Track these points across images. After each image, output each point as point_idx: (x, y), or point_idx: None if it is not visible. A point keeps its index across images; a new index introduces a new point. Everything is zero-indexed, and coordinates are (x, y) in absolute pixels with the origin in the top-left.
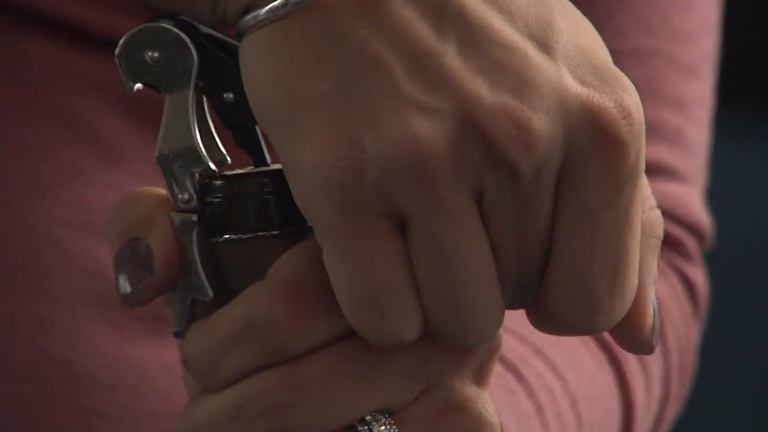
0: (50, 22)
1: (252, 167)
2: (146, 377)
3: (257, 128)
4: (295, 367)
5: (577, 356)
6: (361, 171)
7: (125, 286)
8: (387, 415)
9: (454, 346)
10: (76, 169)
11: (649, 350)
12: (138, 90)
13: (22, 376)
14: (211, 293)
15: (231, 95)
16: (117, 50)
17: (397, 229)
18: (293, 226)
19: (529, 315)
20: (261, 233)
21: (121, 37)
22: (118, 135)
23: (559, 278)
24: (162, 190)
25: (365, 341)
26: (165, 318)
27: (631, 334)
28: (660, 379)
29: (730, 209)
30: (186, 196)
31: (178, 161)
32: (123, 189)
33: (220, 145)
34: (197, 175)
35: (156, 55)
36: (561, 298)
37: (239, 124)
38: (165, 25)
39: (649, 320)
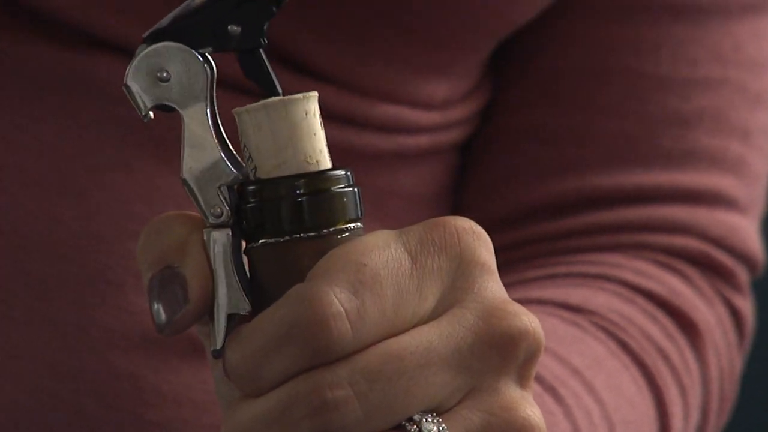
0: (124, 48)
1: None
2: (212, 392)
3: (264, 55)
4: (341, 367)
5: (616, 379)
6: None
7: (160, 316)
8: (434, 414)
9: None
10: (152, 183)
11: None
12: (151, 118)
13: (90, 389)
14: (249, 307)
15: (235, 26)
16: (126, 77)
17: None
18: (329, 227)
19: None
20: (297, 235)
21: None
22: None
23: None
24: (193, 214)
25: (412, 340)
26: None
27: None
28: (698, 406)
29: None
30: (217, 211)
31: (204, 176)
32: None
33: (237, 156)
34: (225, 187)
35: (166, 74)
36: None
37: (248, 53)
38: (171, 43)
39: None
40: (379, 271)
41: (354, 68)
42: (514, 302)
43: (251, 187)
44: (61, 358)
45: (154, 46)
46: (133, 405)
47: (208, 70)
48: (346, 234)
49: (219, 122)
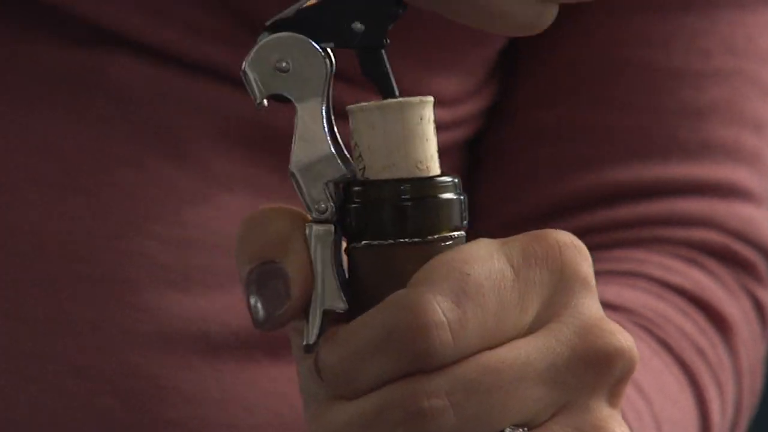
0: (139, 45)
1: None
2: (230, 390)
3: (385, 56)
4: (440, 377)
5: (660, 379)
6: None
7: (259, 311)
8: (526, 429)
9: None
10: (169, 184)
11: None
12: (264, 106)
13: (109, 388)
14: (345, 305)
15: (359, 24)
16: (245, 64)
17: None
18: (433, 233)
19: None
20: (401, 240)
21: (210, 62)
22: (210, 151)
23: None
24: (294, 208)
25: (510, 353)
26: (255, 332)
27: None
28: (733, 401)
29: None
30: (323, 206)
31: (313, 170)
32: (217, 205)
33: (347, 154)
34: (333, 184)
35: (285, 64)
36: None
37: (368, 52)
38: (295, 34)
39: None
40: (482, 282)
41: None
42: (610, 320)
43: (358, 187)
44: (79, 357)
45: (277, 35)
46: (152, 404)
47: (329, 64)
48: (450, 242)
49: (332, 118)
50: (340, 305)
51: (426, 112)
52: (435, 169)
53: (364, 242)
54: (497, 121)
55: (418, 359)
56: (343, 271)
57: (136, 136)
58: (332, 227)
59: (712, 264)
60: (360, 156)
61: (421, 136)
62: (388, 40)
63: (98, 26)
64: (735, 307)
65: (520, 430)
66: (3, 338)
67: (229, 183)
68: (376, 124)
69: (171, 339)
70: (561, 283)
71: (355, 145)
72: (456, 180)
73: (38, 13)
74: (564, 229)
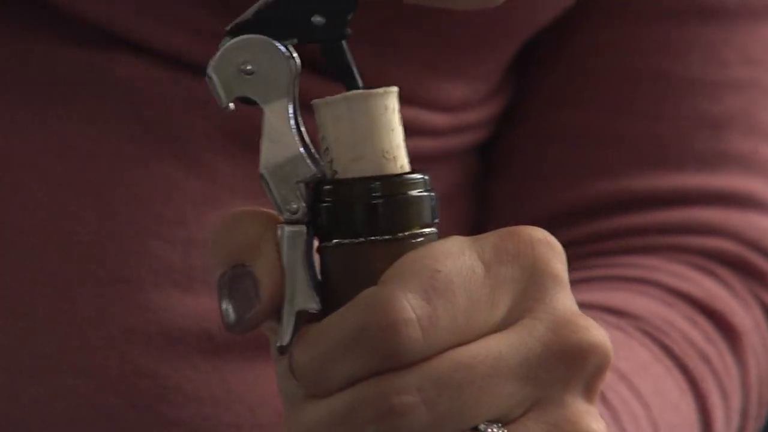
0: (146, 48)
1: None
2: (234, 389)
3: (346, 48)
4: (410, 373)
5: (661, 384)
6: None
7: (230, 315)
8: (500, 425)
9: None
10: (175, 185)
11: None
12: (231, 109)
13: (112, 388)
14: (318, 305)
15: (318, 17)
16: (209, 67)
17: None
18: (404, 231)
19: None
20: (372, 237)
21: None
22: (216, 154)
23: None
24: (266, 211)
25: (482, 349)
26: (258, 332)
27: None
28: (739, 411)
29: None
30: (294, 207)
31: (283, 172)
32: (219, 204)
33: (316, 154)
34: (303, 184)
35: (250, 67)
36: None
37: (330, 45)
38: (258, 36)
39: None
40: (452, 278)
41: (371, 69)
42: (584, 315)
43: (327, 186)
44: (82, 356)
45: (239, 38)
46: (154, 403)
47: (293, 65)
48: (421, 239)
49: (299, 118)
50: (313, 305)
51: (390, 102)
52: (402, 158)
53: (334, 241)
54: (512, 125)
55: (389, 357)
56: (316, 271)
57: (143, 137)
58: (304, 228)
59: (725, 273)
60: (327, 149)
61: (386, 125)
62: (350, 31)
63: (105, 28)
64: (746, 317)
65: (495, 426)
66: (6, 336)
67: (235, 185)
68: (342, 116)
69: (175, 338)
70: (533, 279)
71: (322, 138)
72: (426, 177)
73: (47, 14)
74: (578, 234)
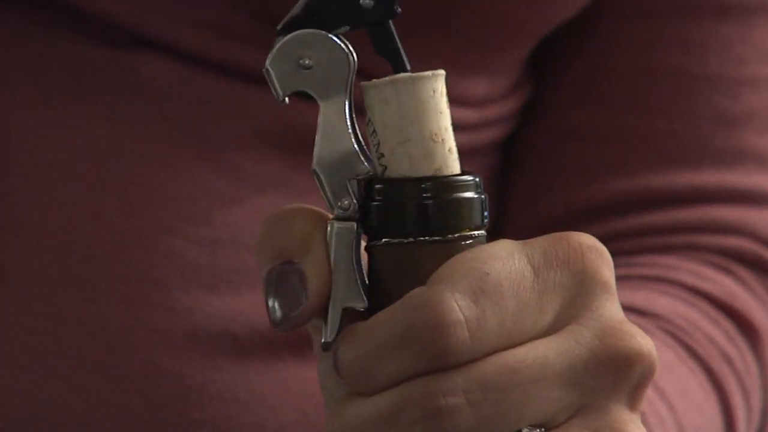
0: (170, 47)
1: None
2: (256, 390)
3: (393, 30)
4: (457, 375)
5: (685, 385)
6: None
7: (276, 312)
8: (543, 429)
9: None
10: (201, 184)
11: None
12: (286, 103)
13: (135, 388)
14: (365, 303)
15: (368, 0)
16: (268, 60)
17: None
18: (453, 232)
19: None
20: (422, 238)
21: (240, 63)
22: (243, 152)
23: None
24: (315, 208)
25: (529, 353)
26: (284, 335)
27: None
28: (759, 409)
29: None
30: (346, 203)
31: (337, 168)
32: (246, 204)
33: (369, 152)
34: (355, 181)
35: (308, 61)
36: None
37: (378, 29)
38: (317, 31)
39: None
40: (501, 281)
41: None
42: (631, 323)
43: (378, 185)
44: (107, 357)
45: (298, 32)
46: (178, 404)
47: (351, 61)
48: (470, 241)
49: (354, 114)
50: (360, 303)
51: (438, 85)
52: (450, 141)
53: (384, 240)
54: (530, 122)
55: (436, 357)
56: (363, 268)
57: (169, 136)
58: (354, 225)
59: (743, 272)
60: (374, 132)
61: (434, 108)
62: (399, 9)
63: (130, 29)
64: (765, 316)
65: (538, 430)
66: (29, 336)
67: (261, 184)
68: (390, 99)
69: (198, 339)
70: (582, 286)
71: (369, 121)
72: (477, 179)
73: (71, 14)
74: (595, 232)
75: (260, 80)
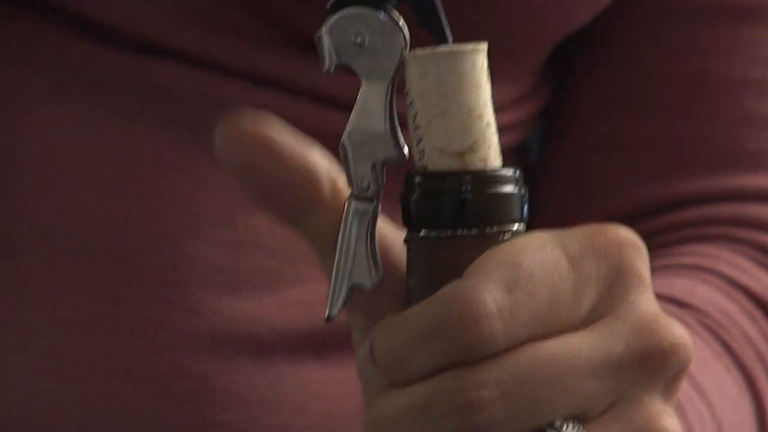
0: (185, 52)
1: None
2: (281, 392)
3: (438, 3)
4: (490, 367)
5: (721, 382)
6: None
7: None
8: (577, 422)
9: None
10: (220, 186)
11: None
12: (330, 74)
13: (159, 391)
14: (373, 283)
15: None
16: (322, 29)
17: None
18: (491, 226)
19: None
20: (460, 232)
21: (256, 68)
22: None
23: None
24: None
25: (563, 345)
26: (305, 335)
27: None
28: None
29: None
30: (365, 183)
31: (366, 147)
32: None
33: (401, 137)
34: (380, 164)
35: (361, 39)
36: None
37: (421, 2)
38: (377, 12)
39: None
40: (534, 272)
41: None
42: (667, 317)
43: (419, 178)
44: (129, 360)
45: (357, 9)
46: (202, 406)
47: (404, 51)
48: (509, 235)
49: (394, 100)
50: (368, 283)
51: (479, 60)
52: (488, 115)
53: (422, 233)
54: (559, 135)
55: (468, 349)
56: (377, 250)
57: (186, 140)
58: (371, 206)
59: None
60: (412, 103)
61: (474, 83)
62: None
63: (143, 36)
64: None
65: (571, 422)
66: (51, 340)
67: None
68: (429, 71)
69: (221, 341)
70: (618, 279)
71: (408, 92)
72: (517, 173)
73: (85, 22)
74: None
75: (275, 84)
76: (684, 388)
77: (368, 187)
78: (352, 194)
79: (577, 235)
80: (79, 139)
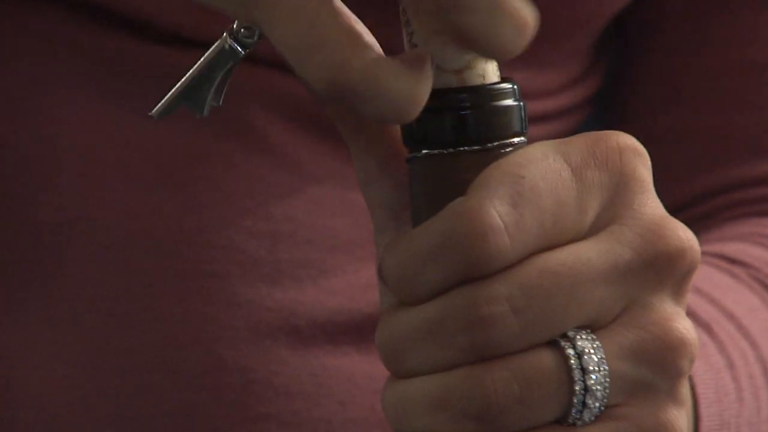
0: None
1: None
2: (324, 384)
3: None
4: (499, 281)
5: None
6: None
7: None
8: (589, 331)
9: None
10: (258, 178)
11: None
12: None
13: (199, 383)
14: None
15: None
16: None
17: None
18: (493, 141)
19: None
20: (461, 148)
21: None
22: (293, 144)
23: None
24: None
25: (570, 255)
26: (346, 328)
27: None
28: None
29: None
30: (247, 33)
31: None
32: (306, 196)
33: None
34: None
35: None
36: None
37: None
38: None
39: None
40: (537, 183)
41: None
42: (672, 219)
43: None
44: (168, 353)
45: None
46: (242, 398)
47: None
48: (510, 149)
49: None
50: (200, 111)
51: None
52: None
53: (423, 152)
54: (614, 126)
55: (477, 264)
56: (221, 93)
57: (224, 131)
58: (240, 52)
59: None
60: (408, 22)
61: None
62: None
63: (173, 29)
64: None
65: (583, 332)
66: (91, 333)
67: (318, 176)
68: None
69: (261, 332)
70: (621, 186)
71: (403, 10)
72: (515, 86)
73: (125, 14)
74: (694, 212)
75: None
76: (727, 327)
77: (251, 35)
78: (233, 33)
79: (578, 144)
80: (118, 132)
